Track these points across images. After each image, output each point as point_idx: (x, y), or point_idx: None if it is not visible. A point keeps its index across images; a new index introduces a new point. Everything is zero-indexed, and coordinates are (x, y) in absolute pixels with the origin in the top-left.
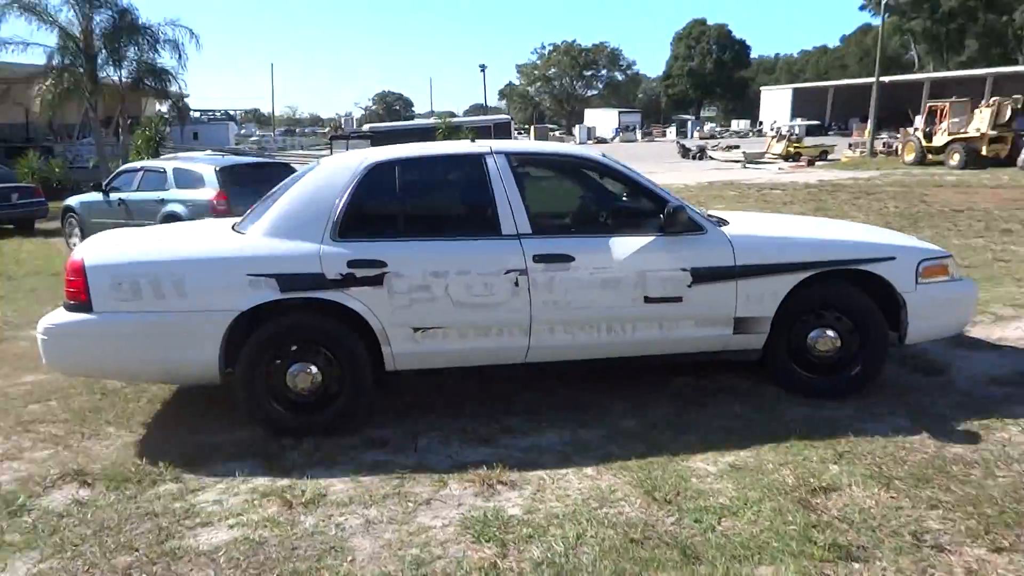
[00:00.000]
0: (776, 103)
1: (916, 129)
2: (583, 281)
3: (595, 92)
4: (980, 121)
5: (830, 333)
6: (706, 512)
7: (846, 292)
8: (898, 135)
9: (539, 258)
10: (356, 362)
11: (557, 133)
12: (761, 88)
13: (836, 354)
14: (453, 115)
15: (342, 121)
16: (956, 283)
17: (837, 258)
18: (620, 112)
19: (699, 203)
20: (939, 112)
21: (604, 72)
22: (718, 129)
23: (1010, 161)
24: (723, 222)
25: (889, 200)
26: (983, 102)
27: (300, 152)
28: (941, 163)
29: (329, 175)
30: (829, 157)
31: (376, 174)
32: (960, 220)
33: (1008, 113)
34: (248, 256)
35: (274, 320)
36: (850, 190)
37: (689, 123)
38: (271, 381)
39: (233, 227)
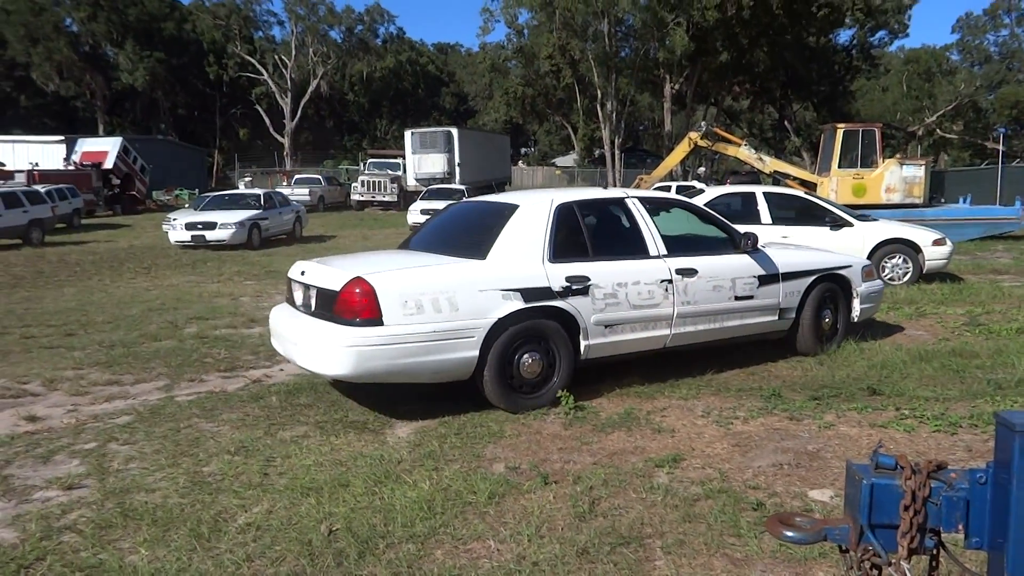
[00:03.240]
0: None
1: None
2: (703, 287)
3: None
4: None
5: (829, 313)
6: None
7: (832, 288)
8: None
9: (679, 271)
10: (568, 351)
11: None
12: None
13: (831, 327)
14: None
15: None
16: (877, 282)
17: (828, 267)
18: None
19: None
20: None
21: None
22: None
23: None
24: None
25: None
26: None
27: None
28: None
29: (533, 213)
30: None
31: (562, 212)
32: None
33: None
34: (500, 277)
35: (515, 323)
36: None
37: None
38: (509, 370)
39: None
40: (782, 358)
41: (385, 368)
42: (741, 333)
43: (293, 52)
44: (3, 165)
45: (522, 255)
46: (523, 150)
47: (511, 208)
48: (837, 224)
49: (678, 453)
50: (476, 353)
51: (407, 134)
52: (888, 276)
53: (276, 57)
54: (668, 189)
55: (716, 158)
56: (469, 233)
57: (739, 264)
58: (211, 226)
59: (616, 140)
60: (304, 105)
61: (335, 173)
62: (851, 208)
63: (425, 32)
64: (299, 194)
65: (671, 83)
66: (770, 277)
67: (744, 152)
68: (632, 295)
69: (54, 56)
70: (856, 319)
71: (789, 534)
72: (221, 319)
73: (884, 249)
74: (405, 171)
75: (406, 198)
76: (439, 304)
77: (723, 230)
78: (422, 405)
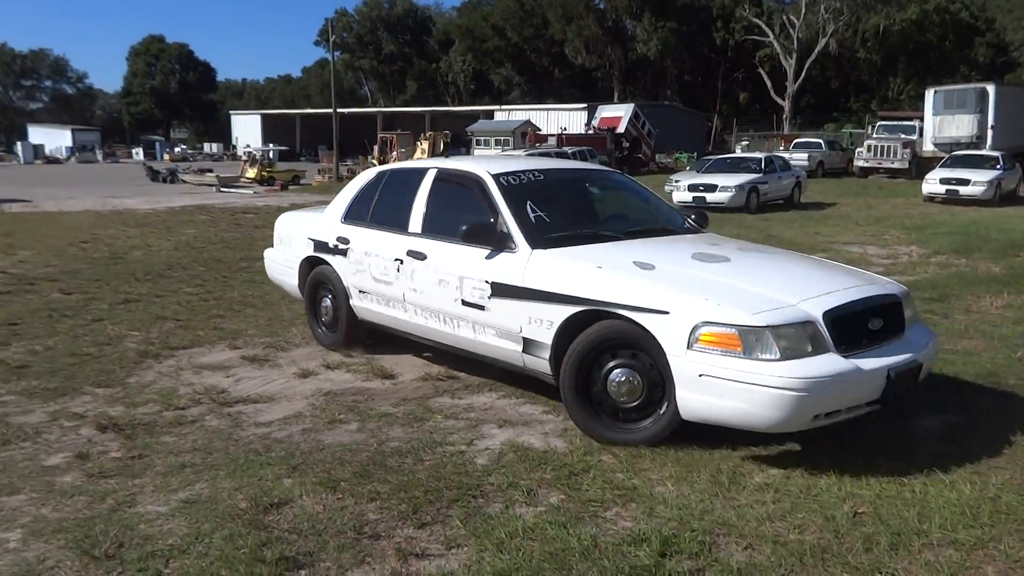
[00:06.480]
0: (247, 128)
1: (373, 157)
2: (429, 277)
3: (40, 105)
4: (421, 151)
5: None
6: (152, 557)
7: (635, 338)
8: (359, 161)
9: (409, 252)
10: (345, 304)
11: None
12: (231, 112)
13: (642, 401)
14: None
15: None
16: (765, 368)
17: (602, 301)
18: (74, 129)
19: (167, 229)
20: (389, 142)
21: (48, 83)
22: (190, 152)
23: None
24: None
25: None
26: (423, 135)
27: None
28: None
29: (364, 176)
30: (301, 181)
31: (380, 177)
32: None
33: (442, 145)
34: (313, 228)
35: (314, 267)
36: None
37: (158, 144)
38: (313, 308)
39: None
40: None
41: (277, 278)
42: (480, 352)
43: (802, 10)
44: (539, 130)
45: (333, 212)
46: None
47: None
48: None
49: None
50: (296, 281)
51: (928, 92)
52: None
53: (784, 17)
54: None
55: None
56: None
57: (471, 260)
58: (711, 188)
59: None
60: (809, 66)
61: (837, 137)
62: None
63: None
64: (797, 159)
65: None
66: (508, 289)
67: None
68: (374, 266)
69: (584, 32)
70: (683, 415)
71: None
72: None
73: None
74: (921, 134)
75: (919, 165)
76: (285, 239)
77: (493, 213)
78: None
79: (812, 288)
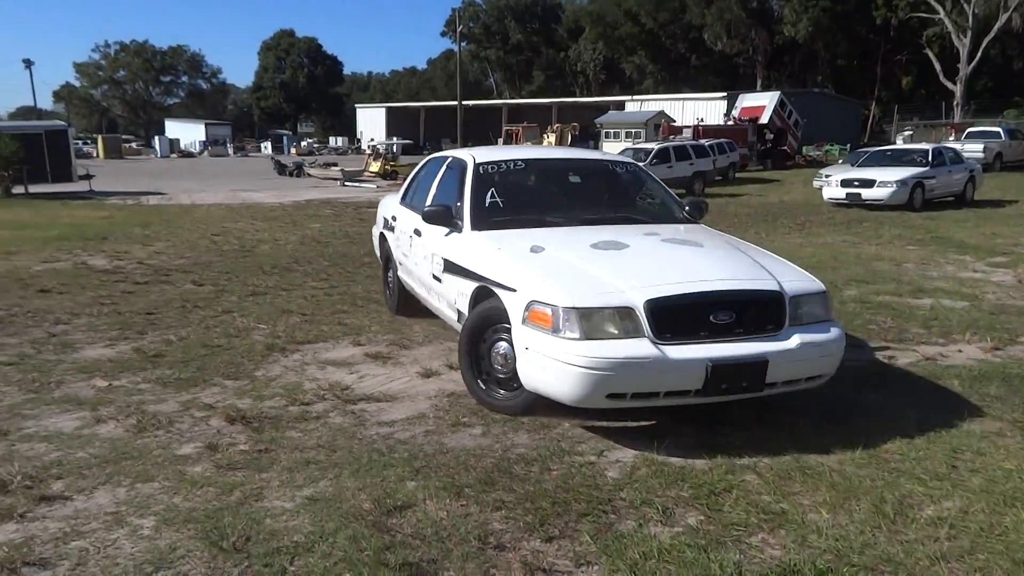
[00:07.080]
0: (372, 121)
1: None
2: (420, 251)
3: (177, 100)
4: (547, 144)
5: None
6: (278, 554)
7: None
8: None
9: (415, 230)
10: (393, 273)
11: (134, 145)
12: (356, 105)
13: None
14: None
15: None
16: (570, 348)
17: (480, 276)
18: (207, 124)
19: (293, 223)
20: (515, 135)
21: (185, 78)
22: (316, 145)
23: None
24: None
25: None
26: (549, 127)
27: None
28: None
29: (419, 165)
30: None
31: (424, 164)
32: None
33: (569, 137)
34: (385, 207)
35: (383, 242)
36: None
37: (285, 138)
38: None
39: None
40: None
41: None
42: (445, 320)
43: None
44: (673, 121)
45: (399, 194)
46: None
47: None
48: None
49: None
50: (380, 253)
51: None
52: None
53: None
54: None
55: None
56: None
57: (438, 238)
58: (868, 184)
59: None
60: (986, 45)
61: (1020, 125)
62: None
63: None
64: (971, 150)
65: None
66: (450, 264)
67: None
68: (402, 240)
69: (725, 15)
70: (523, 383)
71: None
72: (884, 284)
73: None
74: None
75: None
76: (378, 217)
77: (460, 196)
78: None
79: (658, 278)
